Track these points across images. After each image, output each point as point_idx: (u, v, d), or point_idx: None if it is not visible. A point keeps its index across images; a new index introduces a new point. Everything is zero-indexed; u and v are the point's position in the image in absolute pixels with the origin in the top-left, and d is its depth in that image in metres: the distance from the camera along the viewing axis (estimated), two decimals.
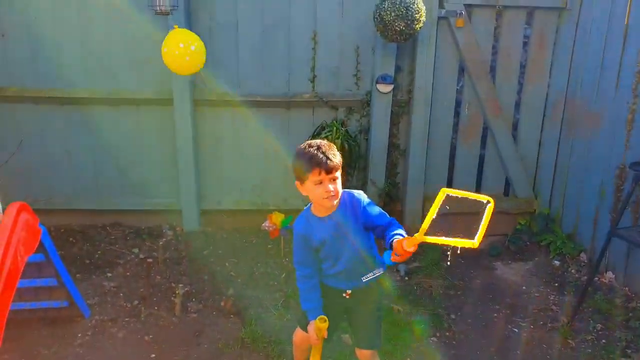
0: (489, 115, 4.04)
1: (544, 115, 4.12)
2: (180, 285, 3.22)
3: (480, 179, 4.28)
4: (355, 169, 4.11)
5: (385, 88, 3.84)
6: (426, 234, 1.78)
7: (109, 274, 3.48)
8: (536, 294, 3.36)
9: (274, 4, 3.81)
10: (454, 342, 2.81)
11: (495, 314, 3.11)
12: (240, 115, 4.05)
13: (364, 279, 2.07)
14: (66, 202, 4.16)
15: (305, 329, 2.15)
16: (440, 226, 1.87)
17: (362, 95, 4.01)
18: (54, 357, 2.59)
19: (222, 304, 3.07)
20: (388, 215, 2.02)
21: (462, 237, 1.80)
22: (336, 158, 1.91)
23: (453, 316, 3.07)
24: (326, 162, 1.87)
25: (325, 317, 2.04)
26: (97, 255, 3.74)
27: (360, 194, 2.05)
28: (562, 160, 4.08)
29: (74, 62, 3.87)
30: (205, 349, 2.70)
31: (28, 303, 2.78)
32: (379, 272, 2.12)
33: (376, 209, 2.03)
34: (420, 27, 3.38)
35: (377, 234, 2.03)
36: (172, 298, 3.10)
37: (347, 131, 3.88)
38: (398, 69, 3.94)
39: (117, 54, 3.86)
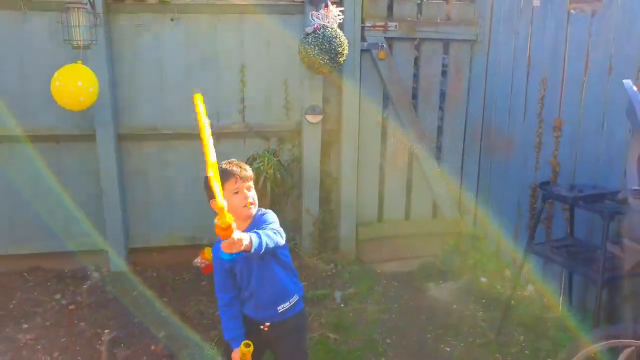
0: (413, 141, 4.22)
1: (464, 140, 4.36)
2: (107, 331, 3.04)
3: (409, 203, 4.43)
4: (289, 198, 4.14)
5: (314, 119, 3.92)
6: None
7: (25, 325, 3.22)
8: (466, 312, 3.49)
9: (199, 40, 3.82)
10: None
11: (429, 335, 3.20)
12: (168, 148, 3.98)
13: (280, 309, 2.05)
14: None
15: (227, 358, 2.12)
16: None
17: (292, 125, 4.07)
18: None
19: (153, 348, 2.93)
20: (274, 231, 1.92)
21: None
22: (248, 169, 2.02)
23: (388, 340, 3.12)
24: (239, 171, 1.98)
25: (250, 342, 2.00)
26: (11, 306, 3.47)
27: (268, 212, 2.05)
28: (483, 181, 4.33)
29: None
30: None
31: None
32: (294, 300, 2.10)
33: (267, 225, 1.96)
34: (343, 60, 3.51)
35: None
36: (97, 346, 2.92)
37: (279, 161, 3.91)
38: (327, 99, 4.05)
39: (34, 91, 3.66)
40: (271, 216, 2.04)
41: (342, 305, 3.55)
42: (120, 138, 3.86)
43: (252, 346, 1.99)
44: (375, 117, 4.15)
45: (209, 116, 4.14)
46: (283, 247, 2.00)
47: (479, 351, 2.99)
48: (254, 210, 2.01)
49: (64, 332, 3.11)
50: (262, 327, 2.08)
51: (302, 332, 2.17)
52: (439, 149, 4.44)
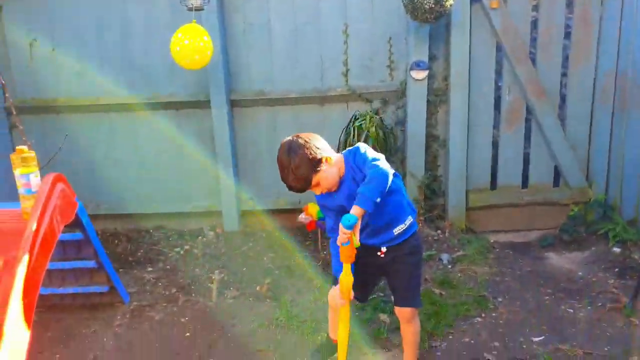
0: (532, 100, 3.86)
1: (593, 96, 3.88)
2: (217, 271, 3.21)
3: (526, 169, 4.07)
4: (391, 162, 4.02)
5: (420, 74, 3.77)
6: None
7: (150, 268, 3.54)
8: (594, 279, 3.09)
9: (304, 1, 3.88)
10: (500, 322, 2.61)
11: (547, 297, 2.88)
12: (276, 113, 4.10)
13: (396, 232, 1.98)
14: (111, 207, 4.31)
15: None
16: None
17: (396, 85, 3.96)
18: (94, 336, 2.63)
19: (258, 288, 3.02)
20: (375, 164, 1.85)
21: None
22: (297, 181, 1.89)
23: (500, 299, 2.87)
24: (289, 189, 1.94)
25: (347, 272, 1.97)
26: (139, 254, 3.83)
27: (355, 147, 1.99)
28: (617, 143, 3.82)
29: (117, 74, 4.07)
30: (240, 329, 2.66)
31: (70, 288, 2.86)
32: (409, 222, 2.03)
33: (363, 157, 1.92)
34: (450, 5, 3.32)
35: None
36: (209, 284, 3.10)
37: (381, 119, 3.82)
38: (433, 57, 3.88)
39: (155, 62, 4.02)
40: (361, 152, 1.94)
41: (449, 266, 3.35)
42: (232, 104, 4.08)
43: (349, 275, 1.95)
44: (487, 73, 3.87)
45: (314, 80, 4.24)
46: (394, 176, 1.94)
47: (610, 315, 2.62)
48: (335, 181, 1.96)
49: (181, 275, 3.35)
50: (378, 253, 2.04)
51: (417, 255, 2.10)
52: (562, 107, 4.01)
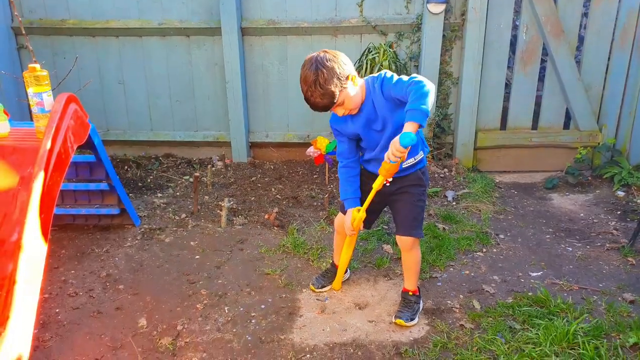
0: (549, 39, 3.75)
1: (613, 37, 3.76)
2: (226, 199, 3.27)
3: (537, 110, 4.02)
4: None
5: (437, 8, 3.64)
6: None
7: (159, 194, 3.61)
8: (595, 220, 3.14)
9: None
10: (501, 257, 2.69)
11: (548, 236, 2.94)
12: (287, 43, 4.01)
13: (404, 165, 2.00)
14: (122, 133, 4.33)
15: (344, 212, 2.19)
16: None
17: (412, 18, 3.84)
18: (106, 255, 2.73)
19: (266, 216, 3.09)
20: (409, 81, 1.81)
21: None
22: (323, 97, 1.84)
23: (502, 236, 2.94)
24: (313, 107, 1.89)
25: (361, 208, 2.08)
26: (149, 180, 3.89)
27: (380, 74, 1.96)
28: (632, 86, 3.74)
29: None
30: (248, 253, 2.74)
31: (82, 209, 2.94)
32: (419, 157, 2.05)
33: (397, 81, 1.88)
34: None
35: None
36: (218, 211, 3.17)
37: (395, 53, 3.74)
38: None
39: None
40: (389, 76, 1.91)
41: (454, 203, 3.40)
42: (243, 32, 3.98)
43: (362, 212, 2.07)
44: (505, 10, 3.73)
45: (328, 10, 4.10)
46: None
47: (608, 254, 2.69)
48: (358, 104, 1.95)
49: (190, 202, 3.42)
50: (385, 182, 2.06)
51: (422, 187, 2.12)
52: (579, 48, 3.90)
